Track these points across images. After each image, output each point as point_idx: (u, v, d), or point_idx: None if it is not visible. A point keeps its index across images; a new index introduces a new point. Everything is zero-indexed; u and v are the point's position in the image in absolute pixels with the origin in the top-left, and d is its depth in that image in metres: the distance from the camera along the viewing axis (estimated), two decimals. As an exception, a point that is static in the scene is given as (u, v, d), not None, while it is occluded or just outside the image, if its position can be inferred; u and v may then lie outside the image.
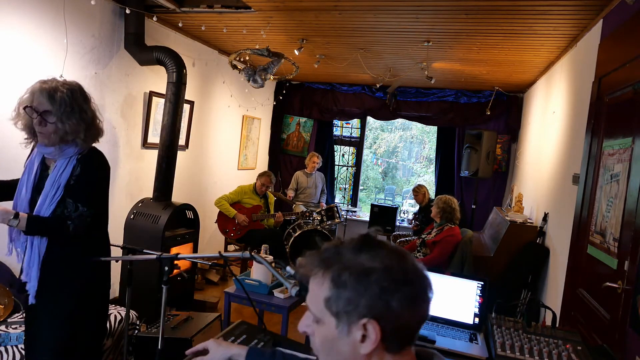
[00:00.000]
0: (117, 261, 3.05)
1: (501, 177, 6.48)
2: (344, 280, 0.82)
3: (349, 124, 7.66)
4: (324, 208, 5.84)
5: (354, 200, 7.69)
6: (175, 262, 2.00)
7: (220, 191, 5.51)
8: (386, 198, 11.63)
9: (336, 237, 6.86)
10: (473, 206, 5.96)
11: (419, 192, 6.26)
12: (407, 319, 0.82)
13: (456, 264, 3.96)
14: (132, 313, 2.84)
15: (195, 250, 4.16)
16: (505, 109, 6.35)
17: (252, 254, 1.74)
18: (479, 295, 2.33)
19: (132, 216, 3.77)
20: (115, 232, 4.02)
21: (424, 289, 0.84)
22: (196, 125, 5.18)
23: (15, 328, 2.46)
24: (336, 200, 7.76)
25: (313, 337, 0.89)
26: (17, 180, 2.09)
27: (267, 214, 5.23)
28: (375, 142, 13.15)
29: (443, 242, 3.94)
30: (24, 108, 1.97)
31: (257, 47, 4.23)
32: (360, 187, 8.17)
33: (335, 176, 7.69)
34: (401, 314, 0.81)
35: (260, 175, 5.25)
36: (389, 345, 0.83)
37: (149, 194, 4.02)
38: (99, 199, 2.04)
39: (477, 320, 2.31)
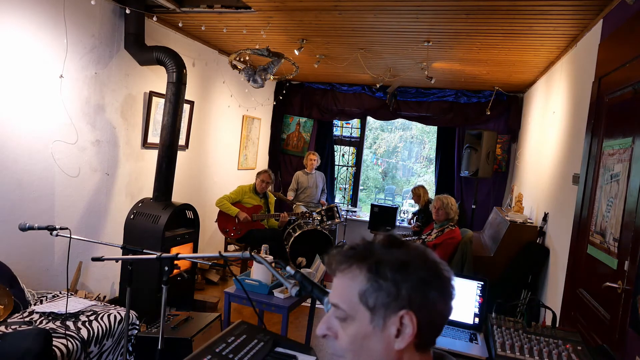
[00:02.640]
0: (117, 261, 3.05)
1: (501, 177, 6.48)
2: (382, 272, 0.82)
3: (349, 124, 7.66)
4: (324, 207, 5.84)
5: (354, 200, 7.69)
6: (175, 262, 2.00)
7: (220, 191, 5.52)
8: (386, 198, 11.63)
9: (337, 237, 6.87)
10: (473, 206, 5.96)
11: (414, 193, 6.28)
12: (440, 311, 0.82)
13: (456, 264, 3.96)
14: (132, 313, 2.84)
15: (195, 250, 4.16)
16: (505, 109, 6.35)
17: (252, 254, 1.74)
18: (479, 295, 2.33)
19: (132, 216, 3.77)
20: (115, 232, 4.04)
21: (450, 284, 0.85)
22: (196, 125, 5.18)
23: (15, 328, 2.46)
24: (336, 200, 7.76)
25: (336, 340, 0.85)
26: None
27: (267, 214, 5.23)
28: (375, 142, 13.15)
29: (444, 245, 3.94)
30: None
31: (257, 47, 4.23)
32: (360, 187, 8.17)
33: (335, 176, 7.69)
34: (437, 306, 0.81)
35: (259, 173, 5.25)
36: (419, 342, 0.82)
37: (149, 194, 4.02)
38: None
39: (477, 320, 2.31)
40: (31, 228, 2.23)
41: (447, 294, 0.83)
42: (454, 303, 0.85)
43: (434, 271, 0.83)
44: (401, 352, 0.81)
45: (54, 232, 2.19)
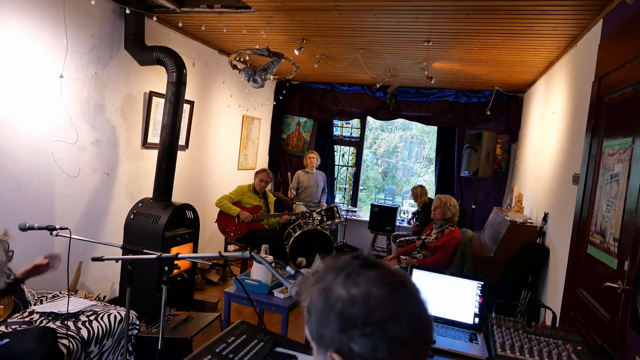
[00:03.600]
0: (117, 261, 3.05)
1: (501, 177, 6.48)
2: (313, 307, 0.76)
3: (349, 124, 7.66)
4: (324, 208, 5.84)
5: (354, 200, 7.69)
6: (175, 262, 2.00)
7: (220, 191, 5.52)
8: (386, 198, 11.62)
9: (337, 237, 6.87)
10: (473, 206, 5.96)
11: (413, 193, 6.30)
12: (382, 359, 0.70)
13: (456, 264, 3.96)
14: (132, 313, 2.84)
15: (195, 250, 4.16)
16: (505, 109, 6.35)
17: (252, 254, 1.74)
18: (479, 295, 2.33)
19: (132, 216, 3.77)
20: (115, 232, 4.04)
21: (402, 332, 0.71)
22: (196, 125, 5.18)
23: (15, 328, 2.46)
24: (336, 200, 7.76)
25: None
26: None
27: (267, 213, 5.23)
28: (375, 142, 13.14)
29: (446, 247, 3.94)
30: None
31: (257, 47, 4.23)
32: (360, 187, 8.16)
33: (335, 176, 7.69)
34: (365, 357, 0.70)
35: (258, 172, 5.24)
36: None
37: (149, 194, 4.02)
38: None
39: (477, 320, 2.31)
40: (31, 228, 2.23)
41: (384, 345, 0.70)
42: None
43: (363, 318, 0.70)
44: None
45: (54, 232, 2.19)
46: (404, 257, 4.09)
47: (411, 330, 0.72)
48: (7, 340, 2.19)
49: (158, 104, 4.39)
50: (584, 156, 2.93)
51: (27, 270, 2.20)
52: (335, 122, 7.52)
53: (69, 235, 2.15)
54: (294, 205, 6.18)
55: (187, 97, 4.30)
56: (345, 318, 0.71)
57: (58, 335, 2.44)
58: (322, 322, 0.74)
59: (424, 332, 0.74)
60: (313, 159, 6.27)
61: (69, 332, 2.53)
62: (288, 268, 1.51)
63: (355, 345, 0.70)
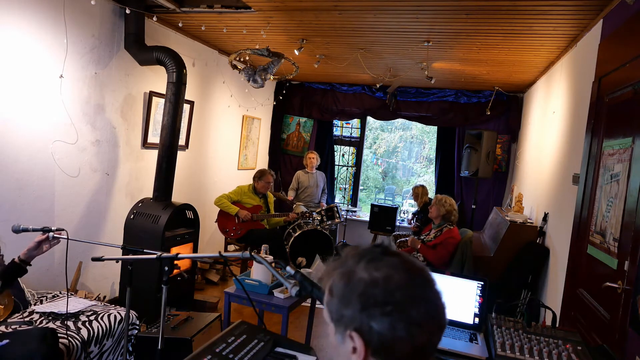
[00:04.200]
0: (117, 261, 3.05)
1: (501, 177, 6.48)
2: (335, 288, 0.82)
3: (349, 124, 7.66)
4: (324, 208, 5.84)
5: (354, 200, 7.69)
6: (175, 262, 2.00)
7: (220, 191, 5.51)
8: (386, 198, 11.62)
9: (337, 237, 6.87)
10: (473, 206, 5.96)
11: (414, 192, 6.32)
12: (393, 341, 0.75)
13: (456, 264, 3.96)
14: (132, 313, 2.84)
15: (195, 250, 4.16)
16: (505, 109, 6.35)
17: (252, 254, 1.73)
18: (479, 295, 2.33)
19: (132, 216, 3.77)
20: (115, 232, 4.04)
21: (419, 314, 0.76)
22: (196, 125, 5.18)
23: (15, 328, 2.46)
24: (336, 200, 7.76)
25: None
26: None
27: (267, 213, 5.23)
28: (375, 142, 13.14)
29: (445, 244, 3.94)
30: None
31: (257, 47, 4.23)
32: (360, 187, 8.16)
33: (335, 176, 7.69)
34: (384, 336, 0.75)
35: (259, 177, 5.16)
36: None
37: (149, 194, 4.02)
38: None
39: (477, 320, 2.31)
40: (25, 230, 2.12)
41: (401, 324, 0.75)
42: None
43: (383, 299, 0.76)
44: None
45: (51, 234, 2.11)
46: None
47: (428, 314, 0.77)
48: (7, 341, 2.19)
49: (158, 104, 4.39)
50: (584, 156, 2.93)
51: (29, 249, 2.11)
52: (335, 122, 7.52)
53: (65, 237, 2.09)
54: (294, 205, 6.18)
55: (187, 97, 4.30)
56: (367, 298, 0.76)
57: (58, 335, 2.44)
58: (344, 302, 0.79)
59: (438, 317, 0.78)
60: (313, 159, 6.27)
61: (69, 332, 2.53)
62: (288, 268, 1.51)
63: (375, 324, 0.75)
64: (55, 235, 2.10)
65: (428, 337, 0.77)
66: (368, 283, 0.77)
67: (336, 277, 0.82)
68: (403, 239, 5.77)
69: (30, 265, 2.13)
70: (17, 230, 2.12)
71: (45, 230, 2.11)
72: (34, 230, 2.12)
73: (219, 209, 5.02)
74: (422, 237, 4.23)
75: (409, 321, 0.75)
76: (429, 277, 0.81)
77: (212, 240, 5.83)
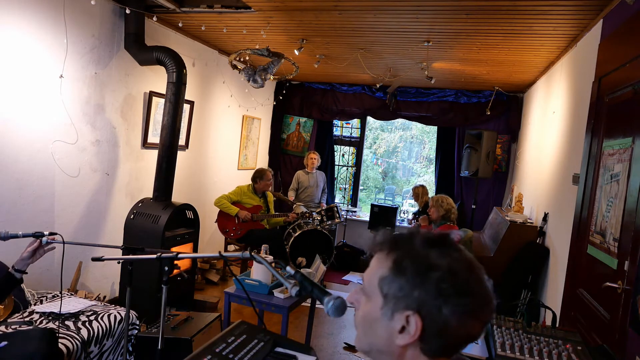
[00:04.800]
0: (118, 262, 3.05)
1: (501, 177, 6.48)
2: (404, 267, 0.81)
3: (349, 124, 7.66)
4: (324, 208, 5.84)
5: (354, 200, 7.69)
6: (175, 262, 1.99)
7: (220, 191, 5.51)
8: (386, 198, 11.62)
9: (336, 237, 6.87)
10: (473, 206, 5.96)
11: (414, 192, 6.32)
12: (453, 329, 0.78)
13: (456, 264, 3.96)
14: (132, 313, 2.84)
15: (195, 250, 4.16)
16: (505, 109, 6.35)
17: (252, 254, 1.73)
18: (479, 295, 2.32)
19: (132, 216, 3.77)
20: (115, 232, 4.04)
21: (483, 308, 0.80)
22: (196, 125, 5.18)
23: (15, 328, 2.46)
24: (336, 200, 7.76)
25: (357, 311, 0.89)
26: None
27: (267, 213, 5.23)
28: (375, 142, 13.14)
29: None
30: None
31: (257, 47, 4.23)
32: (360, 187, 8.16)
33: (335, 176, 7.69)
34: (449, 323, 0.78)
35: (260, 178, 5.14)
36: (425, 347, 0.80)
37: (149, 194, 4.02)
38: None
39: (477, 320, 2.31)
40: (15, 236, 1.94)
41: (471, 314, 0.79)
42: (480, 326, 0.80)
43: (463, 289, 0.78)
44: (404, 349, 0.82)
45: (44, 239, 1.98)
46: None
47: (490, 310, 0.82)
48: (6, 343, 2.18)
49: (158, 104, 4.39)
50: (584, 156, 2.93)
51: (22, 258, 1.99)
52: (335, 122, 7.51)
53: (61, 241, 2.00)
54: (294, 205, 6.18)
55: (187, 97, 4.29)
56: (446, 286, 0.78)
57: (58, 335, 2.44)
58: (416, 284, 0.79)
59: (492, 314, 0.83)
60: (314, 159, 6.26)
61: (69, 332, 2.53)
62: (288, 268, 1.51)
63: (446, 311, 0.77)
64: (49, 240, 1.98)
65: (481, 329, 0.81)
66: (447, 271, 0.79)
67: (405, 256, 0.82)
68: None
69: (26, 273, 2.03)
70: (5, 238, 1.92)
71: (37, 235, 1.97)
72: (24, 236, 1.95)
73: (219, 209, 5.02)
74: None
75: (476, 314, 0.79)
76: (485, 275, 0.85)
77: (212, 240, 5.83)
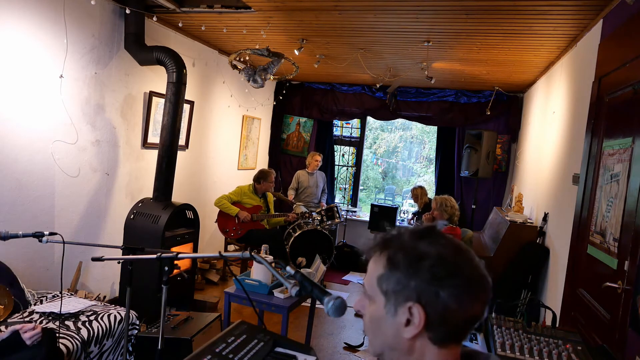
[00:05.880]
0: (118, 262, 3.05)
1: (501, 177, 6.48)
2: (397, 261, 0.84)
3: (349, 124, 7.66)
4: (324, 208, 5.84)
5: (354, 200, 7.69)
6: (175, 262, 1.99)
7: (220, 191, 5.52)
8: (386, 198, 11.62)
9: (336, 237, 6.87)
10: (473, 206, 5.96)
11: (413, 194, 6.32)
12: (455, 312, 0.81)
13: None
14: (132, 313, 2.84)
15: (195, 250, 4.16)
16: (505, 109, 6.35)
17: (252, 254, 1.73)
18: (479, 295, 2.32)
19: (132, 216, 3.77)
20: (115, 232, 4.04)
21: (479, 286, 0.83)
22: (196, 125, 5.18)
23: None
24: (336, 200, 7.76)
25: (364, 316, 0.91)
26: None
27: (267, 213, 5.23)
28: (375, 142, 13.14)
29: None
30: None
31: (257, 47, 4.23)
32: (360, 187, 8.16)
33: (335, 176, 7.69)
34: (449, 306, 0.80)
35: (264, 179, 5.14)
36: (433, 335, 0.83)
37: (149, 194, 4.02)
38: None
39: (477, 320, 2.31)
40: (15, 236, 1.96)
41: (468, 294, 0.81)
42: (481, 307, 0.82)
43: (454, 270, 0.82)
44: (412, 341, 0.84)
45: (44, 239, 1.98)
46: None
47: (485, 288, 0.84)
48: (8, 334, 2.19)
49: (158, 104, 4.39)
50: (584, 156, 2.93)
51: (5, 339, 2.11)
52: (335, 122, 7.52)
53: (60, 241, 1.99)
54: (294, 205, 6.18)
55: (187, 97, 4.29)
56: (438, 269, 0.81)
57: (58, 335, 2.44)
58: (411, 273, 0.82)
59: (488, 292, 0.85)
60: (318, 161, 6.24)
61: (69, 332, 2.53)
62: (288, 268, 1.51)
63: (443, 293, 0.80)
64: (49, 240, 1.99)
65: (481, 309, 0.84)
66: (437, 257, 0.82)
67: (396, 251, 0.85)
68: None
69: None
70: (5, 237, 1.94)
71: (37, 235, 1.98)
72: (24, 236, 1.97)
73: (219, 209, 5.02)
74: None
75: (472, 293, 0.82)
76: (476, 256, 0.87)
77: (212, 240, 5.83)
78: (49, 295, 3.07)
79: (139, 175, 4.36)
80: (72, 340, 2.48)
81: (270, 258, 2.93)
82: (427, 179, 11.71)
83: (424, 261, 0.82)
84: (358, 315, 0.96)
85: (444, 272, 0.81)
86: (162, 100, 4.20)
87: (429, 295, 0.81)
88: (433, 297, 0.81)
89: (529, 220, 4.36)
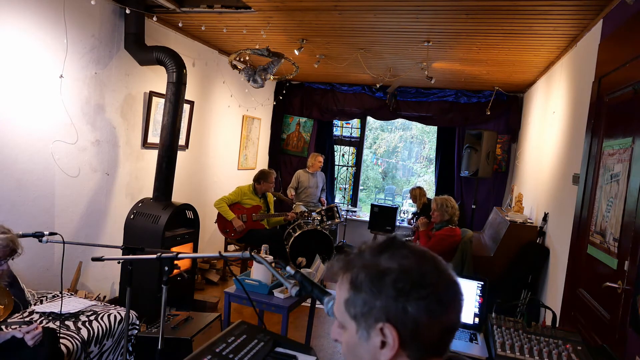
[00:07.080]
0: (118, 262, 3.05)
1: (501, 177, 6.48)
2: (360, 281, 0.80)
3: (349, 124, 7.66)
4: (324, 207, 5.84)
5: (354, 200, 7.69)
6: (175, 262, 2.00)
7: (220, 191, 5.52)
8: (386, 198, 11.62)
9: (337, 237, 6.87)
10: (473, 206, 5.96)
11: (412, 194, 6.32)
12: (427, 325, 0.77)
13: (456, 264, 3.96)
14: (132, 313, 2.84)
15: (195, 250, 4.16)
16: (505, 109, 6.35)
17: (252, 254, 1.73)
18: (479, 295, 2.33)
19: (132, 216, 3.77)
20: (115, 232, 4.04)
21: (448, 293, 0.79)
22: (196, 125, 5.18)
23: (15, 328, 2.45)
24: (336, 200, 7.76)
25: (342, 346, 0.87)
26: None
27: (267, 213, 5.23)
28: (375, 142, 13.14)
29: (439, 239, 3.91)
30: None
31: (257, 47, 4.23)
32: (360, 187, 8.17)
33: (335, 176, 7.69)
34: (419, 320, 0.76)
35: (265, 179, 5.14)
36: (410, 353, 0.78)
37: (149, 194, 4.02)
38: None
39: (477, 320, 2.31)
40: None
41: (438, 304, 0.77)
42: (454, 313, 0.79)
43: (419, 281, 0.77)
44: None
45: (44, 239, 2.01)
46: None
47: (456, 294, 0.81)
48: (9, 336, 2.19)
49: (158, 104, 4.39)
50: (584, 156, 2.93)
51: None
52: (335, 122, 7.52)
53: (60, 241, 2.02)
54: (294, 205, 6.18)
55: (187, 97, 4.29)
56: (402, 284, 0.77)
57: (59, 335, 2.44)
58: (375, 293, 0.78)
59: (460, 297, 0.82)
60: (321, 162, 6.24)
61: (69, 332, 2.53)
62: (288, 268, 1.51)
63: (411, 308, 0.76)
64: (49, 240, 2.01)
65: (455, 316, 0.81)
66: (399, 271, 0.78)
67: (358, 272, 0.81)
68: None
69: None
70: None
71: (37, 235, 2.00)
72: (24, 236, 1.99)
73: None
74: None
75: (443, 302, 0.78)
76: (442, 261, 0.84)
77: (212, 240, 5.83)
78: (49, 295, 3.06)
79: (139, 175, 4.36)
80: (72, 340, 2.48)
81: (270, 258, 2.93)
82: (427, 179, 11.71)
83: (386, 277, 0.78)
84: (338, 341, 0.93)
85: (409, 285, 0.77)
86: (162, 100, 4.19)
87: (396, 312, 0.76)
88: (401, 313, 0.76)
89: (529, 220, 4.36)
